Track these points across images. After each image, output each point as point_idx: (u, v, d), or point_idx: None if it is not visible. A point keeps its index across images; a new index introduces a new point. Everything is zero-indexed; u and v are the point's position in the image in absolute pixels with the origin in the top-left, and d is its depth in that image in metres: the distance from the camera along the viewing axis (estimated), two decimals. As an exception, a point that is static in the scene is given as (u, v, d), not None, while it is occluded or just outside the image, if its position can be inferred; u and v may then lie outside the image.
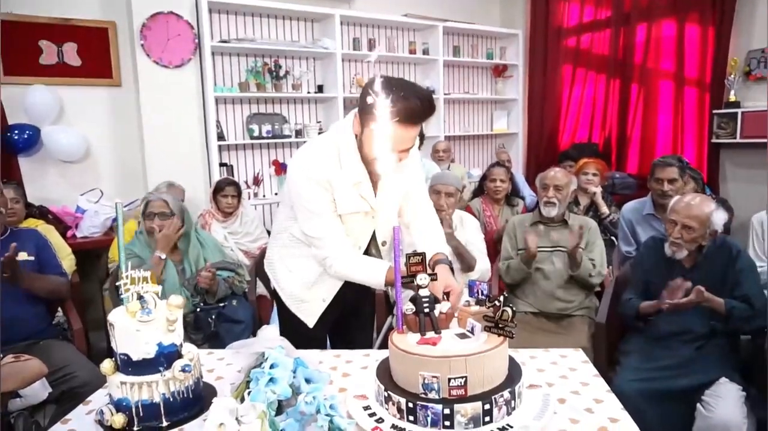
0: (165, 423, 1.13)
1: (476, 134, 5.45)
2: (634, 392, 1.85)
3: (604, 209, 3.30)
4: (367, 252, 1.68)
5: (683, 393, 1.87)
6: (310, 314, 1.70)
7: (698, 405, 1.83)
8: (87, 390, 1.41)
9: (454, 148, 5.03)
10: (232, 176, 3.99)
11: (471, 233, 2.69)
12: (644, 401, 1.85)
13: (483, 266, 2.60)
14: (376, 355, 1.49)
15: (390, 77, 1.44)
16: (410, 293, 1.26)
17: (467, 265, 2.55)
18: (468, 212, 3.20)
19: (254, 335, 1.36)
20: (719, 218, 2.01)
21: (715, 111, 3.79)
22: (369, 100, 1.38)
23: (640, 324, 2.15)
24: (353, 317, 1.85)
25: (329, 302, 1.68)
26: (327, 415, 1.03)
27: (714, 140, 3.81)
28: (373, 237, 1.68)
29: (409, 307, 1.23)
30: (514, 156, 5.33)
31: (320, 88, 4.41)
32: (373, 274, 1.54)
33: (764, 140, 3.47)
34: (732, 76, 3.67)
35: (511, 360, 1.20)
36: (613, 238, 3.19)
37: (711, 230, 2.01)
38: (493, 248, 3.06)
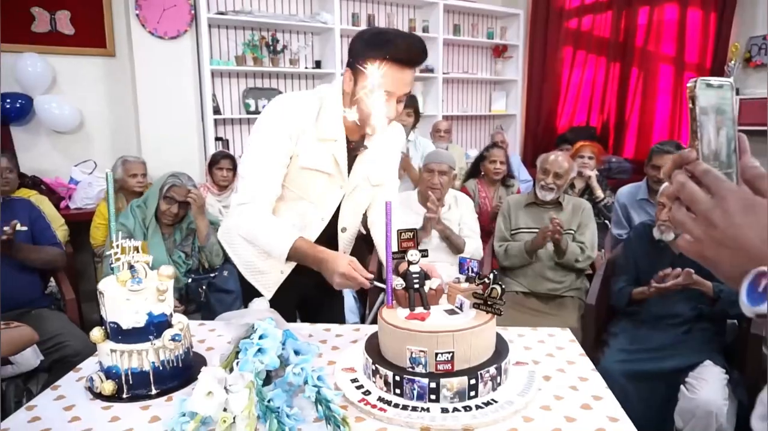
0: (154, 391, 1.14)
1: (474, 115, 5.43)
2: (619, 372, 1.89)
3: (599, 192, 3.30)
4: (325, 239, 1.55)
5: (667, 374, 1.91)
6: (267, 286, 1.60)
7: (681, 386, 1.86)
8: (78, 360, 1.41)
9: (451, 128, 5.01)
10: (228, 150, 3.97)
11: (465, 213, 2.69)
12: (628, 381, 1.89)
13: (473, 246, 2.61)
14: (366, 330, 1.50)
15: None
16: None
17: (455, 247, 2.56)
18: (463, 192, 3.20)
19: (245, 305, 1.35)
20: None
21: (713, 97, 3.77)
22: (360, 42, 1.36)
23: (634, 307, 2.17)
24: (325, 297, 1.76)
25: (287, 274, 1.57)
26: (314, 386, 1.04)
27: (711, 127, 3.80)
28: (334, 224, 1.59)
29: (399, 282, 1.23)
30: (511, 138, 5.31)
31: (318, 64, 4.36)
32: (280, 239, 1.39)
33: (762, 128, 3.47)
34: (732, 62, 3.65)
35: (499, 337, 1.21)
36: (606, 221, 3.20)
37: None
38: (487, 229, 3.07)
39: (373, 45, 1.32)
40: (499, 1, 5.37)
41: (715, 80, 0.55)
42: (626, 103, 4.47)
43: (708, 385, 1.82)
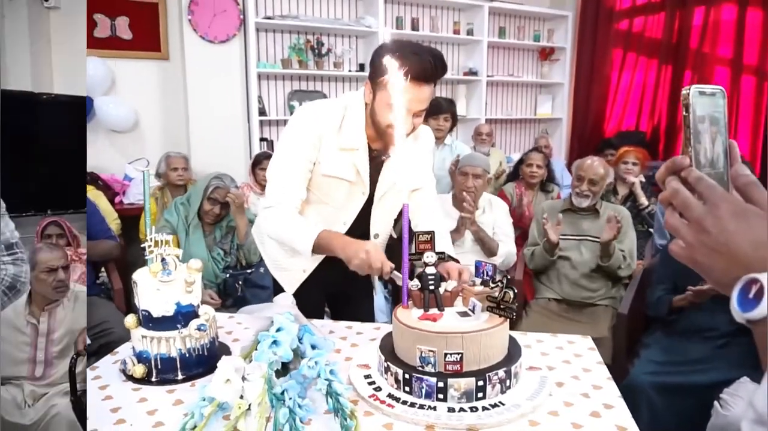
0: (180, 377, 1.22)
1: (519, 118, 5.36)
2: (648, 384, 1.84)
3: (643, 199, 3.20)
4: None
5: (700, 389, 1.83)
6: (289, 282, 1.66)
7: (715, 402, 1.79)
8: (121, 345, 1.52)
9: (495, 131, 4.96)
10: (272, 150, 4.09)
11: (499, 217, 2.68)
12: (658, 394, 1.83)
13: (507, 250, 2.58)
14: (386, 329, 1.53)
15: (400, 39, 1.41)
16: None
17: (489, 250, 2.55)
18: (501, 196, 3.18)
19: (275, 301, 1.42)
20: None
21: (772, 101, 3.59)
22: (379, 59, 1.37)
23: (672, 316, 2.10)
24: (354, 295, 1.81)
25: (309, 272, 1.62)
26: (326, 380, 1.09)
27: (770, 133, 3.62)
28: (366, 226, 1.63)
29: (414, 283, 1.26)
30: (557, 142, 5.20)
31: (362, 67, 4.42)
32: (303, 235, 1.42)
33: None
34: (794, 64, 3.46)
35: (512, 340, 1.22)
36: (650, 230, 3.10)
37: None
38: (523, 234, 3.04)
39: (388, 62, 1.30)
40: (547, 3, 5.28)
41: (708, 88, 0.56)
42: (678, 107, 4.30)
43: (744, 403, 1.74)
